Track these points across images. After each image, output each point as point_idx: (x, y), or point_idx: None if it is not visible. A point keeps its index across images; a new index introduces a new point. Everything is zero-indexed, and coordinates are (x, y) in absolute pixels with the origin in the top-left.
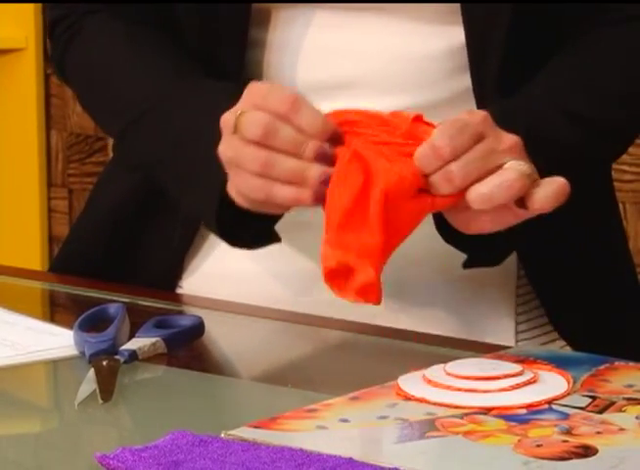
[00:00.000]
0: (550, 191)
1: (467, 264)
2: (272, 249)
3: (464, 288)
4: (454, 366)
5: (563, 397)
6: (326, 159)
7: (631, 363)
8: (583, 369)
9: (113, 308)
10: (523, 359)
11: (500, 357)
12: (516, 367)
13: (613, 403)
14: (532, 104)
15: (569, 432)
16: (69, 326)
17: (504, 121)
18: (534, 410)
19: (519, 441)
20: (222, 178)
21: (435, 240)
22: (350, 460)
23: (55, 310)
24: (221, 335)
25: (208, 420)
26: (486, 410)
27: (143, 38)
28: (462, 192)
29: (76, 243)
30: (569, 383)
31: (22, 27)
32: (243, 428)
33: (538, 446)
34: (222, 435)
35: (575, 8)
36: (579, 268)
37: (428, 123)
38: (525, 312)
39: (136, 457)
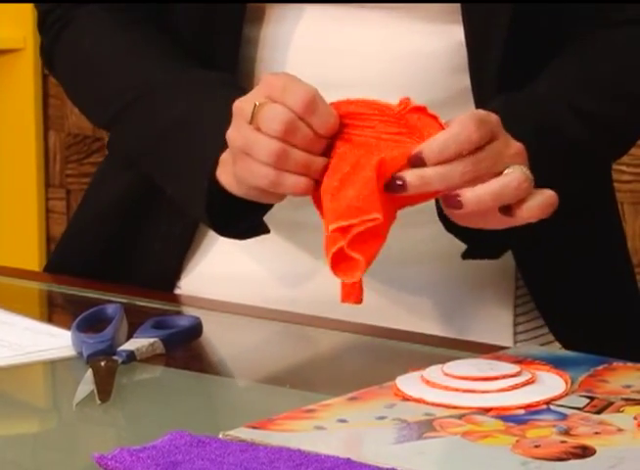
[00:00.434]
0: (539, 201)
1: (465, 255)
2: (271, 249)
3: (463, 289)
4: (452, 367)
5: (561, 397)
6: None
7: (629, 364)
8: (581, 370)
9: (110, 309)
10: (521, 360)
11: (498, 358)
12: (514, 368)
13: (611, 404)
14: (539, 101)
15: (567, 432)
16: (67, 327)
17: (512, 119)
18: (532, 411)
19: (517, 441)
20: (212, 167)
21: (435, 241)
22: (348, 461)
23: (53, 311)
24: (219, 335)
25: (207, 421)
26: (484, 411)
27: (135, 30)
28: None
29: (71, 242)
30: (567, 383)
31: (20, 28)
32: (241, 428)
33: (536, 446)
34: (220, 435)
35: (575, 8)
36: (577, 270)
37: (431, 116)
38: (523, 313)
39: (134, 458)
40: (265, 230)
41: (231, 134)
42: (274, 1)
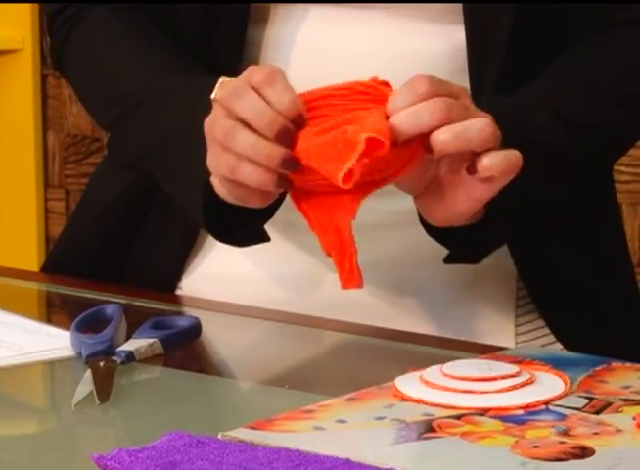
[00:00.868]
0: (501, 154)
1: (447, 260)
2: (270, 250)
3: (464, 290)
4: (451, 367)
5: (560, 397)
6: (287, 141)
7: (628, 364)
8: (580, 370)
9: (110, 309)
10: (520, 360)
11: (497, 358)
12: (513, 368)
13: (610, 404)
14: (523, 104)
15: (566, 433)
16: (66, 327)
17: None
18: (531, 411)
19: (516, 442)
20: (208, 175)
21: (435, 242)
22: (347, 461)
23: (52, 311)
24: (218, 336)
25: (205, 421)
26: (483, 411)
27: (142, 31)
28: (414, 154)
29: (70, 242)
30: (566, 384)
31: (19, 28)
32: (240, 429)
33: (535, 446)
34: (219, 436)
35: (577, 9)
36: (577, 271)
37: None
38: (524, 314)
39: (133, 458)
40: (266, 238)
41: (205, 121)
42: (278, 1)
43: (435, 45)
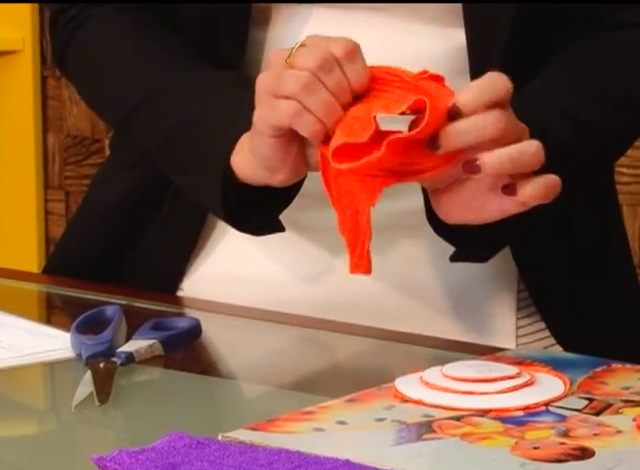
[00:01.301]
0: (545, 180)
1: (454, 258)
2: (273, 252)
3: (465, 292)
4: (451, 368)
5: (560, 399)
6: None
7: (628, 365)
8: (580, 371)
9: (109, 311)
10: (520, 362)
11: (497, 360)
12: (513, 369)
13: (610, 405)
14: (529, 104)
15: (566, 434)
16: (66, 328)
17: None
18: (531, 412)
19: (516, 443)
20: (227, 151)
21: (437, 244)
22: (347, 462)
23: (52, 312)
24: (218, 337)
25: (205, 422)
26: (483, 412)
27: (147, 30)
28: (451, 158)
29: (71, 243)
30: (565, 385)
31: (18, 29)
32: (240, 430)
33: (535, 448)
34: (219, 437)
35: (577, 10)
36: (578, 273)
37: (448, 88)
38: (525, 316)
39: (133, 459)
40: (280, 228)
41: (261, 77)
42: (280, 1)
43: (437, 46)
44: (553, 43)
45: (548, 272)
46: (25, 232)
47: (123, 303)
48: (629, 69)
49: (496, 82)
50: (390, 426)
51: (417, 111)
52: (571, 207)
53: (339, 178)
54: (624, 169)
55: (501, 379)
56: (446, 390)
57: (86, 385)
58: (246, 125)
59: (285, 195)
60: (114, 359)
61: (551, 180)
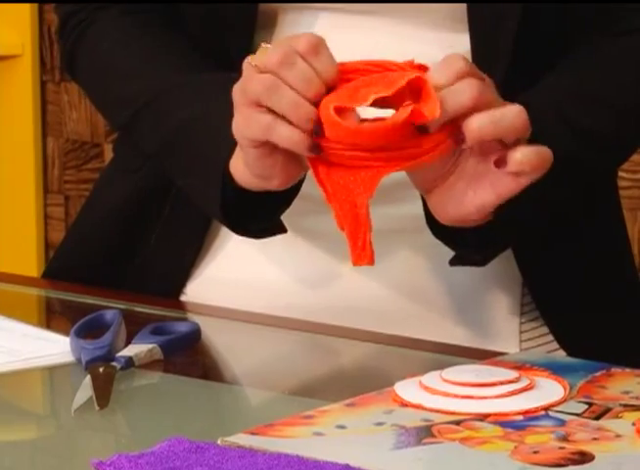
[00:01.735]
0: (533, 149)
1: (453, 262)
2: (277, 256)
3: (469, 297)
4: (451, 373)
5: (559, 403)
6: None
7: (628, 370)
8: (580, 376)
9: (109, 315)
10: (519, 366)
11: (497, 364)
12: (512, 374)
13: (609, 410)
14: (531, 110)
15: (565, 438)
16: (66, 333)
17: None
18: (531, 417)
19: (515, 447)
20: (226, 156)
21: (441, 247)
22: (347, 467)
23: (51, 317)
24: (218, 341)
25: (205, 427)
26: (483, 417)
27: (154, 32)
28: (446, 140)
29: (73, 248)
30: (565, 389)
31: (18, 34)
32: (239, 435)
33: (535, 452)
34: (219, 441)
35: (582, 14)
36: (581, 278)
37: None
38: (529, 321)
39: (132, 464)
40: (282, 230)
41: (234, 87)
42: (285, 1)
43: (441, 52)
44: (558, 48)
45: (551, 277)
46: (25, 236)
47: (123, 307)
48: (631, 76)
49: (454, 57)
50: (390, 430)
51: (414, 89)
52: (573, 211)
53: (330, 174)
54: (624, 174)
55: (500, 383)
56: (446, 394)
57: (86, 389)
58: None
59: (285, 197)
60: (114, 364)
61: (542, 149)
